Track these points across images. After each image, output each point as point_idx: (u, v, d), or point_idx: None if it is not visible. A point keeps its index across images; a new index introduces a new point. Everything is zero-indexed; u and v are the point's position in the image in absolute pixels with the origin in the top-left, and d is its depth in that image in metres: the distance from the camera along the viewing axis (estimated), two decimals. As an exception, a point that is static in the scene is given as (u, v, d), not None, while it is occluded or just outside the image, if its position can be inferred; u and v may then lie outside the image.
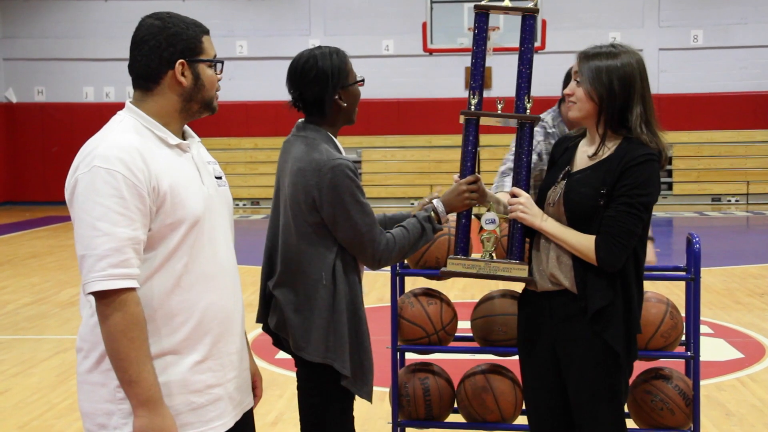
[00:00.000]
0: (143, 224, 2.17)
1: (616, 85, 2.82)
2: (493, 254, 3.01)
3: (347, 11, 19.39)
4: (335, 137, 2.98)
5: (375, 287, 2.75)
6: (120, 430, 2.20)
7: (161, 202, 2.20)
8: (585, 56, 2.89)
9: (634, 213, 2.79)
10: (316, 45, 3.05)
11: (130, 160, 2.17)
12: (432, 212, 2.98)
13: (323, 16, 19.45)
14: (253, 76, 19.05)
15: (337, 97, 2.92)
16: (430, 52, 13.75)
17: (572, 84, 2.91)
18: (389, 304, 3.60)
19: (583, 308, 2.84)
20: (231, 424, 2.37)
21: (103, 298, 2.13)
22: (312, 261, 2.86)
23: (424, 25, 13.23)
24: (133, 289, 2.15)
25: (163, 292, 2.23)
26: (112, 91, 19.59)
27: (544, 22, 13.02)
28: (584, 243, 2.81)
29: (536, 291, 2.97)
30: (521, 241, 2.98)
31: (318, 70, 2.91)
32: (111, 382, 2.20)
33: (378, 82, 18.44)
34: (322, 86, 2.91)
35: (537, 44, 12.70)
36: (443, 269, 3.06)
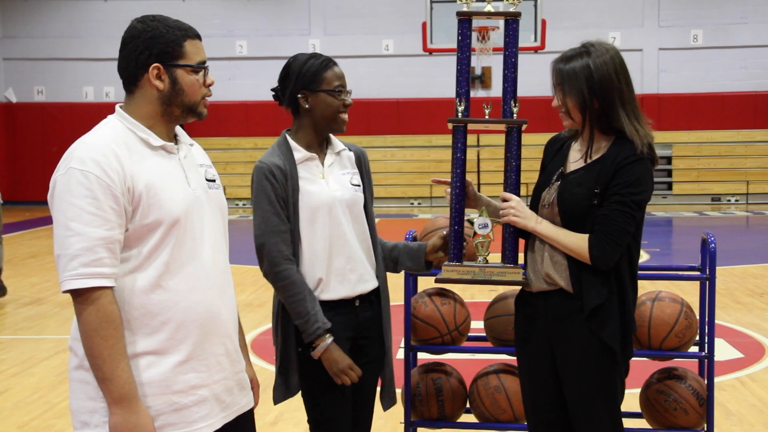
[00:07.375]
0: (119, 224, 2.18)
1: (594, 87, 2.80)
2: (488, 259, 3.00)
3: (347, 11, 19.38)
4: (300, 141, 3.00)
5: (387, 286, 2.68)
6: (101, 429, 2.20)
7: (137, 202, 2.21)
8: (559, 63, 2.87)
9: (626, 211, 2.78)
10: (315, 44, 3.06)
11: (104, 160, 2.17)
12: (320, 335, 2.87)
13: (323, 16, 19.44)
14: (253, 76, 19.05)
15: (300, 96, 2.95)
16: (430, 51, 13.72)
17: (558, 96, 2.88)
18: (402, 303, 3.59)
19: (578, 307, 2.84)
20: (218, 426, 2.35)
21: (77, 296, 2.15)
22: None
23: (424, 24, 13.21)
24: (106, 288, 2.16)
25: (143, 292, 2.23)
26: (111, 91, 19.59)
27: (543, 22, 13.00)
28: (577, 242, 2.81)
29: (532, 291, 2.96)
30: (514, 244, 2.97)
31: (289, 67, 2.99)
32: (94, 380, 2.20)
33: (378, 81, 18.43)
34: (286, 82, 2.99)
35: (537, 44, 12.68)
36: (438, 277, 3.03)
